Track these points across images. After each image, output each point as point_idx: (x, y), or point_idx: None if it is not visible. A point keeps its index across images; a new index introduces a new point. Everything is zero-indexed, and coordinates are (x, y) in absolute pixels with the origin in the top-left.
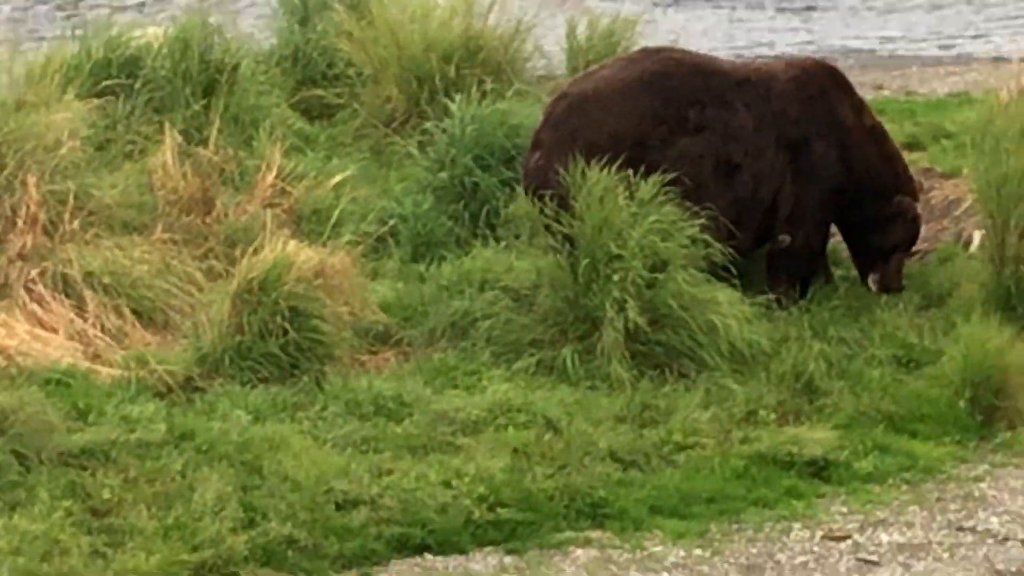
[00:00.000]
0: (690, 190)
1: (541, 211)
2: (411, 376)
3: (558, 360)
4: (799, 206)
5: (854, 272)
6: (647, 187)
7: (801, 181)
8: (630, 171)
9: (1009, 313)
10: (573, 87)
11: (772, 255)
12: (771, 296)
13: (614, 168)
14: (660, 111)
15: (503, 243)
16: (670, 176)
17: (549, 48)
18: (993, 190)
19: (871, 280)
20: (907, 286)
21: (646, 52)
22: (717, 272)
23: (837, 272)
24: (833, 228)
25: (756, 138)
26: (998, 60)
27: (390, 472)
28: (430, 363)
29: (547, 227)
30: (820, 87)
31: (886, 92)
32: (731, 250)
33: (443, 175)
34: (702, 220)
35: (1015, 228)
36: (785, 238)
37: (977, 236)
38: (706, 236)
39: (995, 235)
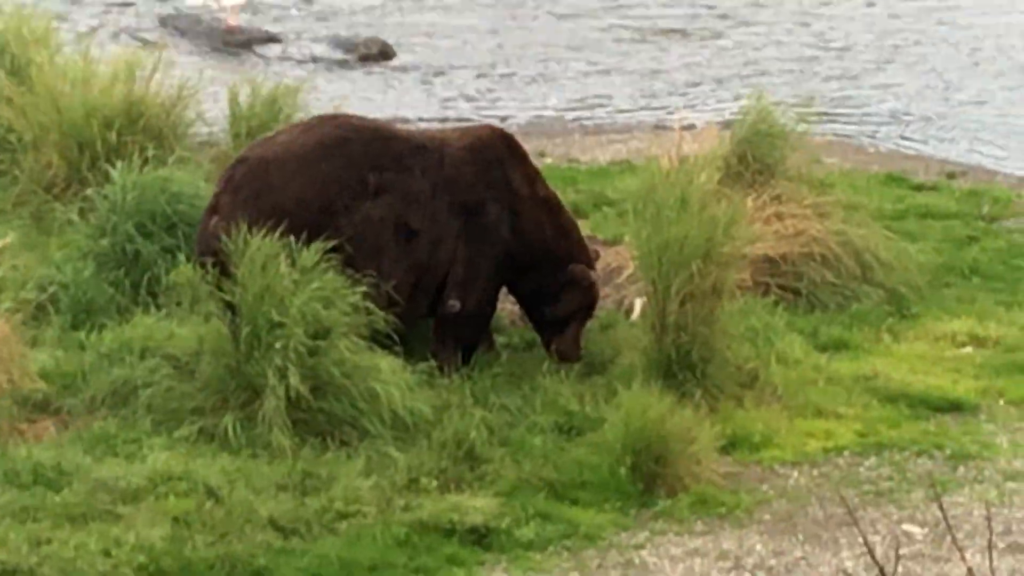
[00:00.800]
0: (371, 255)
1: (203, 278)
2: (71, 445)
3: (219, 428)
4: (470, 271)
5: (516, 339)
6: (309, 254)
7: (473, 246)
8: (314, 235)
9: (670, 380)
10: (252, 151)
11: (440, 320)
12: (434, 363)
13: (296, 233)
14: (342, 175)
15: (164, 311)
16: (350, 241)
17: (211, 115)
18: (654, 258)
19: (552, 350)
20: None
21: (323, 118)
22: (379, 340)
23: (499, 339)
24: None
25: (432, 203)
26: (659, 128)
27: (49, 541)
28: (90, 431)
29: (210, 293)
30: (494, 154)
31: (549, 159)
32: (407, 315)
33: (104, 242)
34: (364, 288)
35: (676, 296)
36: (455, 303)
37: (638, 304)
38: (368, 304)
39: (656, 303)
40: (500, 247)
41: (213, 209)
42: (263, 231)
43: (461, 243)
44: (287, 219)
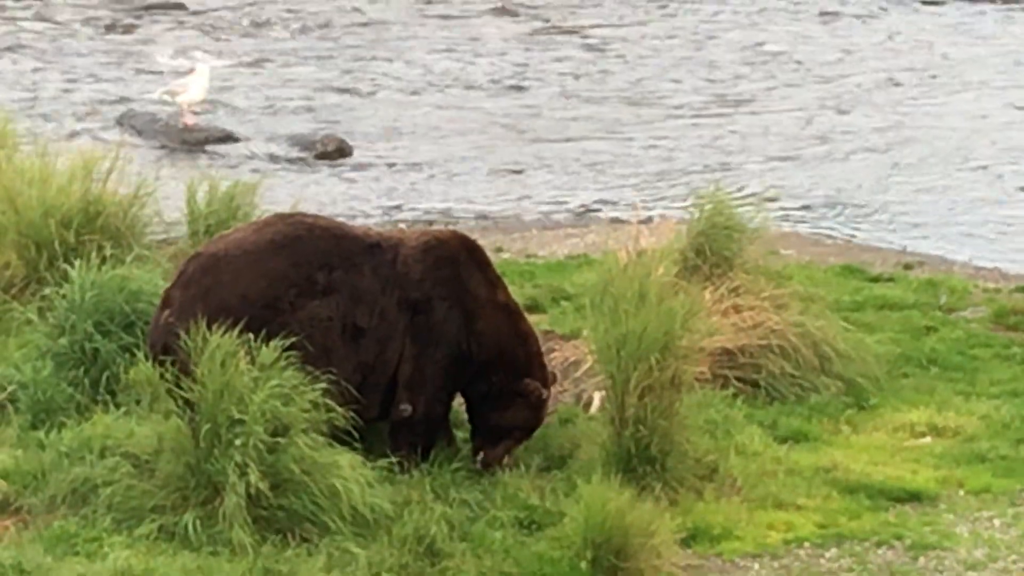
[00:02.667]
0: (318, 354)
1: (162, 375)
2: (31, 544)
3: (180, 525)
4: (419, 372)
5: None
6: (268, 351)
7: (419, 344)
8: (259, 333)
9: (629, 473)
10: (207, 247)
11: (394, 424)
12: (393, 459)
13: (241, 330)
14: (290, 273)
15: (123, 409)
16: (297, 339)
17: (169, 213)
18: (612, 351)
19: (478, 457)
20: (529, 448)
21: (280, 216)
22: (339, 436)
23: (459, 434)
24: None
25: (381, 301)
26: (616, 222)
27: None
28: (51, 530)
29: (169, 391)
30: (450, 254)
31: (506, 254)
32: (356, 416)
33: (63, 341)
34: (324, 385)
35: (634, 389)
36: (406, 407)
37: (597, 397)
38: (327, 400)
39: (615, 396)
40: (449, 347)
41: (165, 303)
42: (213, 326)
43: (408, 341)
44: (232, 316)
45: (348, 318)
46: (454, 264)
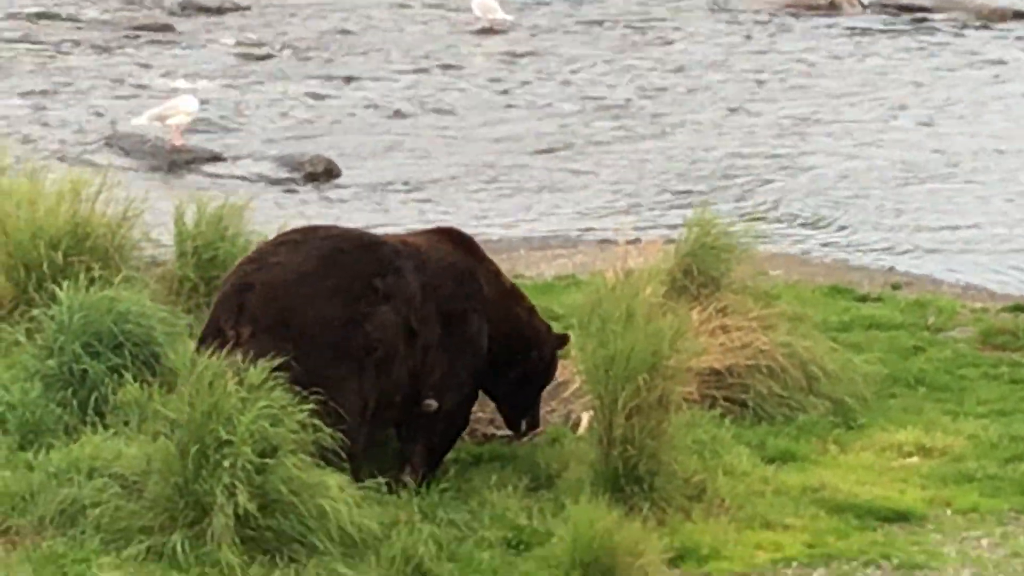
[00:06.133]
0: (390, 360)
1: (149, 396)
2: (19, 565)
3: (168, 546)
4: (451, 375)
5: (463, 454)
6: (257, 372)
7: (452, 353)
8: (349, 352)
9: (618, 494)
10: (253, 277)
11: (414, 423)
12: (381, 480)
13: (331, 354)
14: (353, 286)
15: (112, 430)
16: (378, 348)
17: (157, 234)
18: (601, 371)
19: (523, 429)
20: (516, 468)
21: (300, 231)
22: (326, 457)
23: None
24: None
25: (424, 308)
26: (604, 243)
27: None
28: (39, 551)
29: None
30: (468, 266)
31: None
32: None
33: (51, 362)
34: (312, 405)
35: (622, 409)
36: (431, 403)
37: (585, 418)
38: (315, 421)
39: (603, 416)
40: (478, 355)
41: (232, 343)
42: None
43: (440, 349)
44: (319, 342)
45: (406, 321)
46: (474, 275)
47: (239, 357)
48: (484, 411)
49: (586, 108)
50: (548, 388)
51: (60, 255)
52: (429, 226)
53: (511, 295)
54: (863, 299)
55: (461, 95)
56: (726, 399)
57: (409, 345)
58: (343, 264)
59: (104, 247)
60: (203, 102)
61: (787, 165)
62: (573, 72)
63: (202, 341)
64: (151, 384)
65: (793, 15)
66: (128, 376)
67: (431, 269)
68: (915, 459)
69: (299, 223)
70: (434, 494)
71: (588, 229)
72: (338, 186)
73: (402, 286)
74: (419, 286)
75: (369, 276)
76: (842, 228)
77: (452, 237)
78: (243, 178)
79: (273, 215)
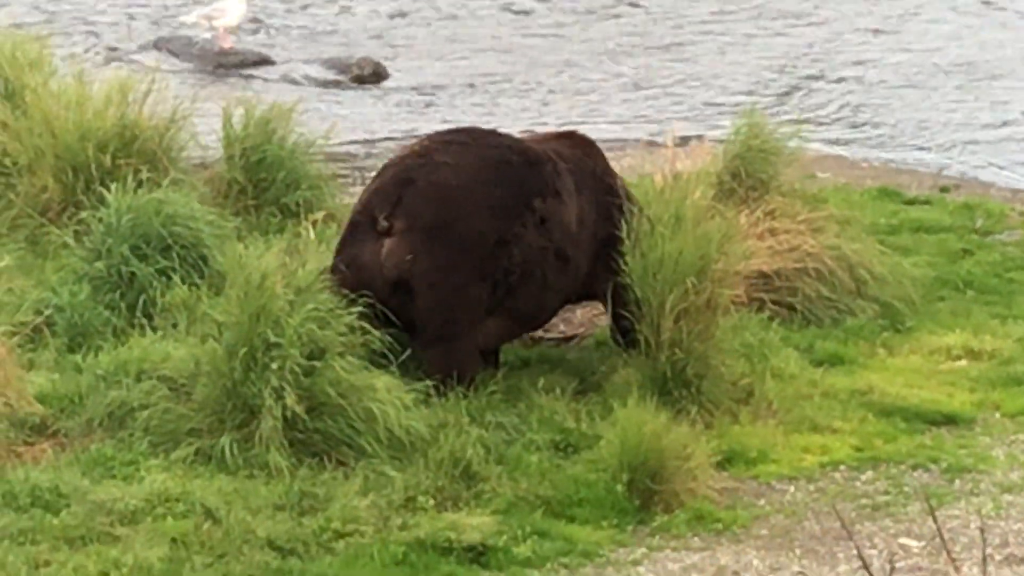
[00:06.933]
0: (538, 285)
1: (373, 306)
2: (68, 467)
3: (216, 449)
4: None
5: (511, 357)
6: (304, 275)
7: (613, 274)
8: (494, 269)
9: (665, 397)
10: (415, 173)
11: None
12: (429, 382)
13: (477, 267)
14: (516, 205)
15: (160, 332)
16: (524, 272)
17: (205, 137)
18: (649, 275)
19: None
20: (564, 371)
21: (465, 132)
22: (375, 359)
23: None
24: None
25: (579, 232)
26: (652, 144)
27: (47, 564)
28: (87, 454)
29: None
30: (617, 195)
31: None
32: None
33: (100, 265)
34: (360, 308)
35: (670, 313)
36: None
37: None
38: (363, 323)
39: (651, 320)
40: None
41: (382, 232)
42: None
43: (602, 270)
44: (469, 254)
45: (559, 246)
46: (617, 192)
47: (384, 247)
48: None
49: (639, 12)
50: None
51: (108, 157)
52: (547, 129)
53: (631, 199)
54: (911, 202)
55: None
56: (774, 302)
57: (561, 271)
58: (507, 179)
59: (152, 149)
60: (251, 4)
61: (837, 66)
62: None
63: (353, 225)
64: (199, 286)
65: None
66: (176, 278)
67: (587, 192)
68: (963, 362)
69: (347, 127)
70: (482, 397)
71: (637, 131)
72: (386, 88)
73: (560, 211)
74: (576, 210)
75: (529, 195)
76: (890, 129)
77: (585, 145)
78: (291, 81)
79: (320, 117)
